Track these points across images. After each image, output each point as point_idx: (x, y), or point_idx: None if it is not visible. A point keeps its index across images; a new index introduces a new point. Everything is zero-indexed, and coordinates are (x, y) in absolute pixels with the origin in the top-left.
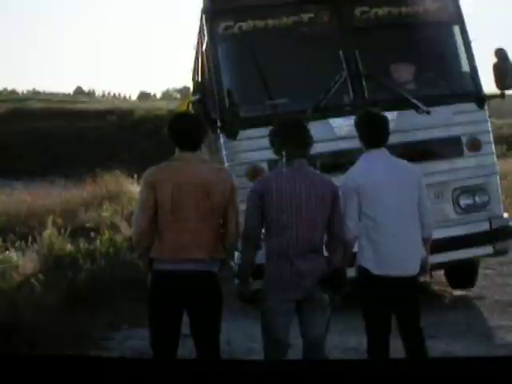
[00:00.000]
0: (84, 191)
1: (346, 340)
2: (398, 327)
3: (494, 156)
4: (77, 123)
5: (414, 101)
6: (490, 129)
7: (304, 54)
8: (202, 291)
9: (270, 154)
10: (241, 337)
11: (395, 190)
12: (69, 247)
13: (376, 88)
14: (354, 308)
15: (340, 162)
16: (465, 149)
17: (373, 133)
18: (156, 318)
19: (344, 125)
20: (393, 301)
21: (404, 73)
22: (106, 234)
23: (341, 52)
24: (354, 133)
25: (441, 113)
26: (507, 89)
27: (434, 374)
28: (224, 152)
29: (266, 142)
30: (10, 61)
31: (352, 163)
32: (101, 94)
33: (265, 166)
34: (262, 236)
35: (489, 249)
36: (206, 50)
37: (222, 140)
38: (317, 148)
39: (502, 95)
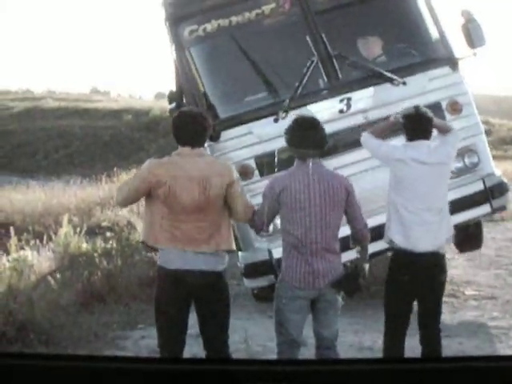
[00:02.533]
0: (100, 190)
1: (361, 339)
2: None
3: (477, 116)
4: (93, 122)
5: (388, 74)
6: (467, 90)
7: (272, 46)
8: (206, 290)
9: (255, 151)
10: (257, 335)
11: (430, 173)
12: (85, 246)
13: (349, 67)
14: (369, 308)
15: (329, 145)
16: (446, 113)
17: (413, 128)
18: (161, 318)
19: (324, 109)
20: (418, 278)
21: (374, 47)
22: (123, 232)
23: (308, 37)
24: (336, 115)
25: (416, 81)
26: (477, 47)
27: (447, 372)
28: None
29: (249, 139)
30: (26, 62)
31: (340, 145)
32: (116, 94)
33: (252, 162)
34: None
35: (486, 208)
36: (175, 57)
37: (205, 144)
38: None
39: (474, 54)
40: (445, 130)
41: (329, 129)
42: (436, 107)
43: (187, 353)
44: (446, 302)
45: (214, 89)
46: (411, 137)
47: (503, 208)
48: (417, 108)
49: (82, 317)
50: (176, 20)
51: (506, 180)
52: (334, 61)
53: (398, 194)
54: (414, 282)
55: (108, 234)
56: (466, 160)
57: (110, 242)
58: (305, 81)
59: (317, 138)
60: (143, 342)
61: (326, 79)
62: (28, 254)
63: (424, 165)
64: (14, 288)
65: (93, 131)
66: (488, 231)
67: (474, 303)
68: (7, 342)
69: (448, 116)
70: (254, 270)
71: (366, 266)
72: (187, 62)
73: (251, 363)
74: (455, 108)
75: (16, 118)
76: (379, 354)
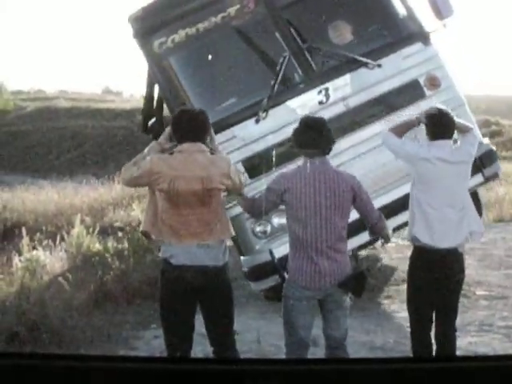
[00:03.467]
0: (112, 190)
1: (373, 339)
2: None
3: (456, 87)
4: (105, 122)
5: (362, 58)
6: (443, 62)
7: (244, 47)
8: (210, 286)
9: (242, 154)
10: (270, 335)
11: (453, 171)
12: (97, 246)
13: (322, 57)
14: (381, 307)
15: None
16: (425, 89)
17: (437, 128)
18: (167, 315)
19: (304, 102)
20: (439, 275)
21: (345, 33)
22: (135, 232)
23: (277, 34)
24: (317, 107)
25: (391, 62)
26: (445, 18)
27: (458, 372)
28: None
29: (234, 143)
30: (38, 62)
31: None
32: (129, 94)
33: (240, 166)
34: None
35: (479, 177)
36: (148, 71)
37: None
38: (288, 132)
39: (444, 26)
40: (465, 130)
41: None
42: (414, 85)
43: (200, 352)
44: None
45: (193, 97)
46: (434, 136)
47: (496, 176)
48: (439, 108)
49: (94, 317)
50: (144, 35)
51: (494, 148)
52: (307, 53)
53: (421, 191)
54: (434, 278)
55: (120, 234)
56: None
57: (123, 242)
58: (280, 77)
59: (323, 138)
60: (156, 341)
61: (301, 73)
62: (40, 254)
63: (448, 163)
64: (26, 288)
65: (105, 131)
66: (498, 231)
67: (485, 303)
68: (20, 342)
69: (427, 92)
70: (259, 272)
71: (390, 233)
72: (162, 75)
73: (259, 363)
74: (433, 83)
75: (28, 118)
76: (390, 354)
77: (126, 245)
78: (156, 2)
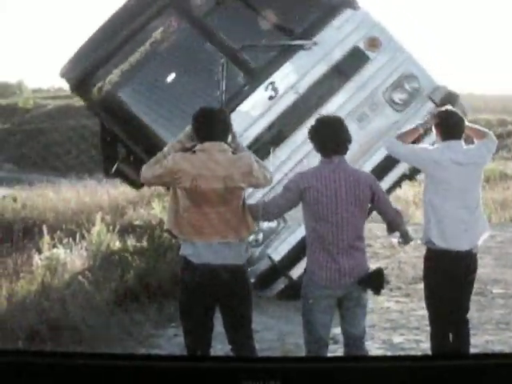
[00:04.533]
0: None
1: (391, 337)
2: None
3: (398, 42)
4: None
5: (296, 41)
6: (377, 21)
7: (182, 66)
8: (232, 284)
9: None
10: (291, 333)
11: (465, 173)
12: (118, 244)
13: (257, 53)
14: (398, 306)
15: (276, 135)
16: (368, 53)
17: (446, 128)
18: (186, 313)
19: (254, 103)
20: (454, 276)
21: (273, 21)
22: (155, 230)
23: (208, 43)
24: (268, 103)
25: (326, 35)
26: None
27: (474, 369)
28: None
29: None
30: (58, 60)
31: (287, 129)
32: None
33: None
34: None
35: None
36: (100, 120)
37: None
38: (250, 137)
39: None
40: (482, 135)
41: (268, 118)
42: (356, 52)
43: (220, 350)
44: (474, 300)
45: (153, 127)
46: (445, 137)
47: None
48: (447, 108)
49: (115, 315)
50: (79, 86)
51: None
52: (242, 54)
53: (435, 194)
54: (450, 280)
55: (141, 232)
56: (407, 86)
57: (143, 241)
58: (224, 85)
59: (340, 137)
60: (176, 339)
61: (242, 75)
62: (61, 252)
63: (461, 166)
64: (46, 286)
65: None
66: None
67: (502, 301)
68: (40, 340)
69: (371, 54)
70: (264, 279)
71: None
72: (112, 117)
73: (278, 361)
74: (374, 44)
75: (48, 116)
76: (409, 352)
77: (146, 243)
78: (81, 48)
